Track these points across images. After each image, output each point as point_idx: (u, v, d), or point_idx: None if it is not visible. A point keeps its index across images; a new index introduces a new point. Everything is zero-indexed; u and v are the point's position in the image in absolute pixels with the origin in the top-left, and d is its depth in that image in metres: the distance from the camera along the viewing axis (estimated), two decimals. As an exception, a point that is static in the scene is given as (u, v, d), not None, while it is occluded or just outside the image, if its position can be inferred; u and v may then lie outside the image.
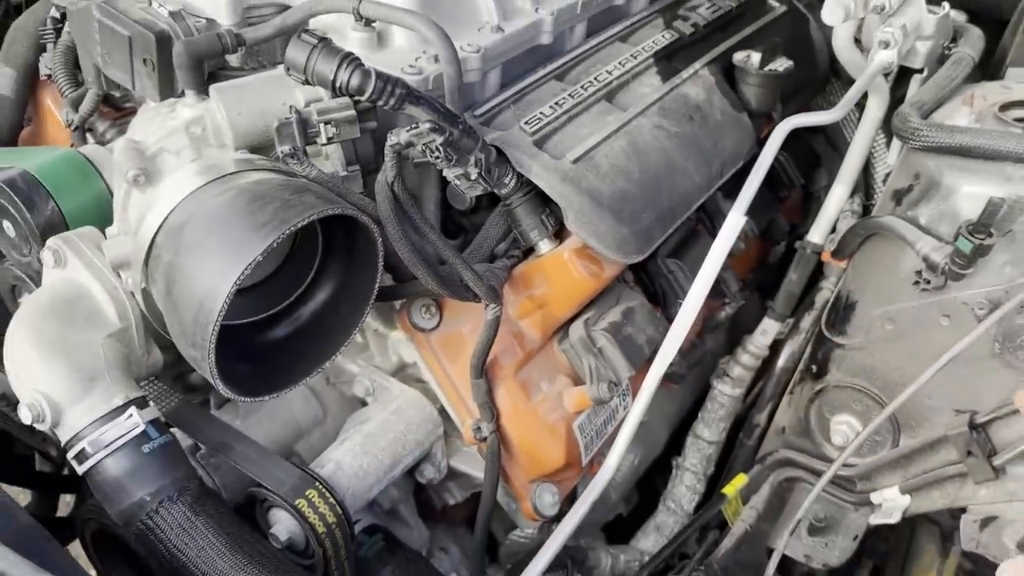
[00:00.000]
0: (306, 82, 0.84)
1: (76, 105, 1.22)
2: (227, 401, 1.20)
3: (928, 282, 1.01)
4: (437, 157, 0.87)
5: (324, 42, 0.83)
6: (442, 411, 1.09)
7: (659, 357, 0.96)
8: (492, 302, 0.95)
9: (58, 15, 1.30)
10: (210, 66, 0.98)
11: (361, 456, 1.01)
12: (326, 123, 0.86)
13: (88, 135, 1.29)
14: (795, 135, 1.37)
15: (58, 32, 1.30)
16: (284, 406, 1.12)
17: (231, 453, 0.98)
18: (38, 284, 1.11)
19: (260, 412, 1.11)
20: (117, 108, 1.31)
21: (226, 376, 0.83)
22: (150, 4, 0.97)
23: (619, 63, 1.14)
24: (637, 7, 1.32)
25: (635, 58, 1.16)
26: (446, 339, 1.04)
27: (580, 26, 1.19)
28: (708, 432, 1.41)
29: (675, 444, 1.45)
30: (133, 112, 1.33)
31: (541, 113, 1.02)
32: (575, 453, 1.07)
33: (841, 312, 1.15)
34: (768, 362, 1.32)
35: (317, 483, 0.94)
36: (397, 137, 0.86)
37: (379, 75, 0.84)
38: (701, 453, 1.41)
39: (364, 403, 1.15)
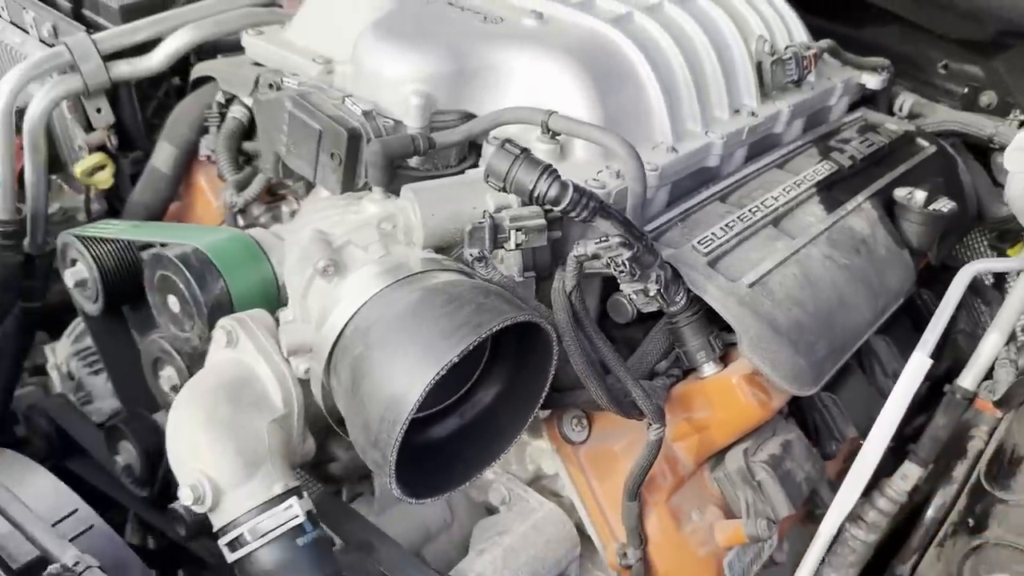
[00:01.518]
0: (503, 189, 0.85)
1: (240, 187, 1.26)
2: (359, 495, 1.18)
3: (1116, 445, 0.95)
4: (621, 271, 0.86)
5: (525, 153, 0.84)
6: (578, 528, 1.05)
7: (835, 509, 0.92)
8: (657, 422, 0.92)
9: (223, 100, 1.36)
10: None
11: (502, 570, 0.97)
12: (517, 230, 0.86)
13: (239, 217, 1.32)
14: (936, 269, 1.34)
15: (222, 116, 1.35)
16: (416, 508, 1.09)
17: (374, 554, 0.95)
18: (186, 360, 1.12)
19: (393, 511, 1.08)
20: (270, 193, 1.34)
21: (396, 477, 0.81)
22: (343, 101, 1.00)
23: (783, 190, 1.14)
24: (791, 136, 1.33)
25: (798, 186, 1.16)
26: (596, 454, 1.01)
27: (741, 151, 1.20)
28: (836, 577, 1.33)
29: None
30: (283, 198, 1.37)
31: (712, 234, 1.01)
32: (722, 590, 1.01)
33: (1005, 465, 1.09)
34: (915, 510, 1.25)
35: (456, 598, 0.91)
36: (584, 248, 0.86)
37: (576, 188, 0.84)
38: (828, 600, 1.33)
39: (490, 511, 1.12)
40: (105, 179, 1.41)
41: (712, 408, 0.98)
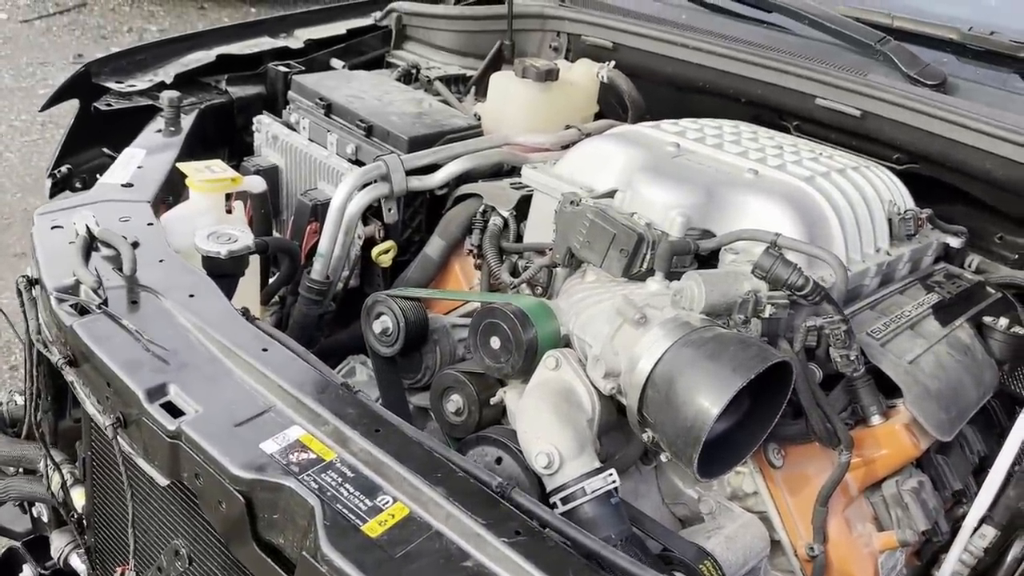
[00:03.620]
0: (763, 278, 1.31)
1: (510, 271, 1.72)
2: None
3: None
4: (838, 338, 1.31)
5: (781, 256, 1.31)
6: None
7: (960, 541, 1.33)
8: (848, 449, 1.34)
9: (483, 210, 1.84)
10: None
11: (726, 551, 1.36)
12: (771, 304, 1.31)
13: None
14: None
15: (485, 223, 1.83)
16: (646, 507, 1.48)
17: (644, 527, 1.34)
18: (475, 390, 1.54)
19: (642, 501, 1.47)
20: (512, 275, 1.79)
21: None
22: (631, 216, 1.48)
23: (912, 307, 1.61)
24: (900, 275, 1.81)
25: (920, 306, 1.63)
26: (791, 477, 1.42)
27: (877, 279, 1.67)
28: (926, 618, 1.69)
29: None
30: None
31: (879, 327, 1.47)
32: (878, 583, 1.40)
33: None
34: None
35: (710, 557, 1.30)
36: (815, 321, 1.31)
37: (813, 281, 1.30)
38: (920, 636, 1.69)
39: (682, 524, 1.51)
40: (387, 259, 1.88)
41: (879, 447, 1.40)
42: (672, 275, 1.42)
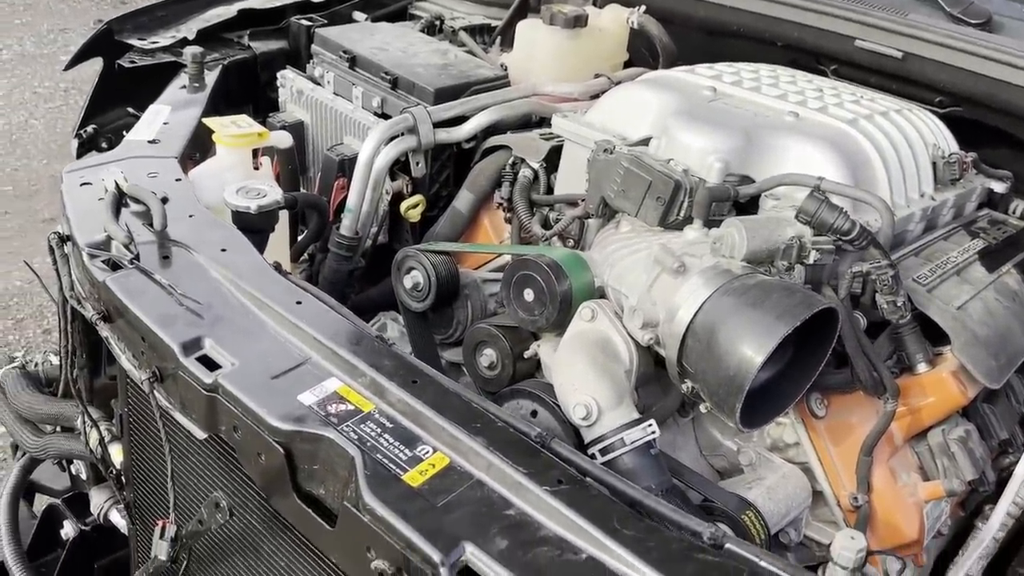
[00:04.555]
0: (808, 223, 1.27)
1: (541, 223, 1.69)
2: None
3: None
4: (884, 284, 1.27)
5: (827, 200, 1.27)
6: (808, 486, 1.42)
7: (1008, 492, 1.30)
8: (894, 398, 1.31)
9: (513, 162, 1.80)
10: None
11: (768, 501, 1.34)
12: (816, 250, 1.27)
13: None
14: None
15: (515, 175, 1.79)
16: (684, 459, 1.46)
17: (684, 478, 1.32)
18: (508, 343, 1.52)
19: (680, 453, 1.45)
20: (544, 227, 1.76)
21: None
22: (668, 162, 1.44)
23: (958, 253, 1.56)
24: (944, 221, 1.76)
25: (966, 252, 1.58)
26: (834, 426, 1.39)
27: (921, 224, 1.62)
28: (968, 570, 1.67)
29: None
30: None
31: (925, 273, 1.43)
32: (922, 533, 1.37)
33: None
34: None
35: (752, 507, 1.28)
36: (861, 267, 1.27)
37: (860, 225, 1.26)
38: (962, 589, 1.67)
39: (720, 476, 1.49)
40: (416, 214, 1.85)
41: (925, 396, 1.37)
42: (710, 223, 1.38)
